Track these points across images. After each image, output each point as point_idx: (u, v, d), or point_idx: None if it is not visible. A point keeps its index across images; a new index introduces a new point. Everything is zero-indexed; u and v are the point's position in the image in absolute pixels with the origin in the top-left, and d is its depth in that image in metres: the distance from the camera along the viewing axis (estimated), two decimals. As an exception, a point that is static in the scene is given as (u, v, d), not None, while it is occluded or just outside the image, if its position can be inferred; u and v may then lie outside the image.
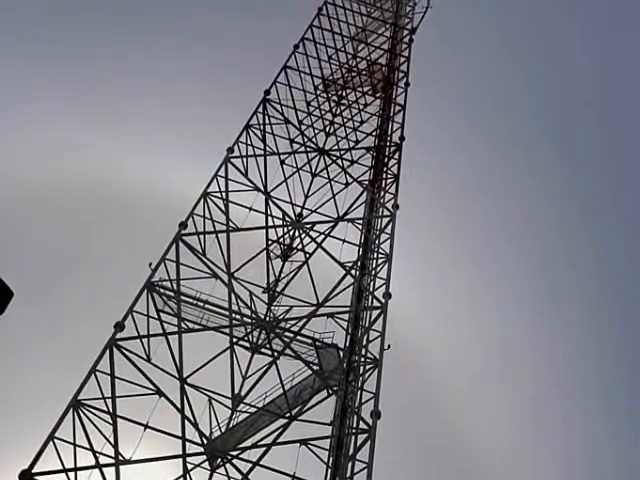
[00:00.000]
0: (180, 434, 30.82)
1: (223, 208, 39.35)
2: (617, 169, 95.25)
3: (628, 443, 75.03)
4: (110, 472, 28.50)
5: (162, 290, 35.45)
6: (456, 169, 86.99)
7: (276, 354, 38.28)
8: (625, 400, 78.09)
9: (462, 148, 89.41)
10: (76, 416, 28.86)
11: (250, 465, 30.55)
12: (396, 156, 45.45)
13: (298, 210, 46.38)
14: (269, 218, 43.01)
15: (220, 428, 36.12)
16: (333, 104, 51.85)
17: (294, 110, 48.44)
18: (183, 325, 35.52)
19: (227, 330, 36.76)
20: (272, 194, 43.82)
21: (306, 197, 47.52)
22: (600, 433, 74.94)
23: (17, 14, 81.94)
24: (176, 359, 33.21)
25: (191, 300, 37.16)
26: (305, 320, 37.08)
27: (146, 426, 31.03)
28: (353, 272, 38.08)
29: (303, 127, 48.68)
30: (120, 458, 28.97)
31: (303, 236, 44.16)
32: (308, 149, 47.61)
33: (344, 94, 52.69)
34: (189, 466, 32.10)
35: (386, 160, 45.34)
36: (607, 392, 77.39)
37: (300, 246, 44.93)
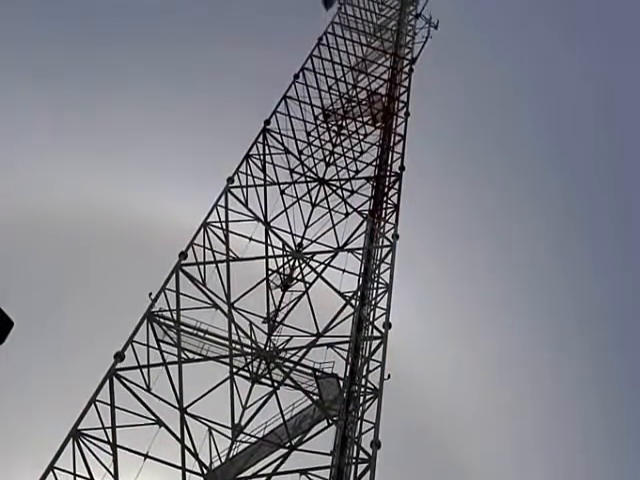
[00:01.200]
0: (180, 464, 31.22)
1: (223, 238, 39.93)
2: (617, 195, 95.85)
3: (629, 469, 75.23)
4: (110, 502, 28.81)
5: (162, 320, 35.94)
6: (456, 198, 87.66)
7: (276, 384, 38.68)
8: (626, 426, 78.35)
9: (462, 177, 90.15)
10: (76, 446, 29.25)
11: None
12: (396, 186, 45.95)
13: (298, 240, 46.90)
14: (269, 248, 43.57)
15: (220, 458, 36.46)
16: (333, 134, 52.45)
17: (294, 140, 49.06)
18: (183, 355, 35.97)
19: (227, 360, 37.18)
20: (272, 224, 44.34)
21: (306, 227, 48.04)
22: (601, 461, 75.11)
23: (18, 43, 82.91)
24: (176, 389, 33.69)
25: (191, 330, 37.63)
26: (305, 350, 37.61)
27: (146, 456, 31.43)
28: (353, 302, 38.60)
29: (303, 157, 49.28)
30: (120, 488, 29.29)
31: (303, 266, 44.59)
32: (308, 179, 48.21)
33: (344, 124, 53.26)
34: (189, 496, 32.32)
35: (386, 190, 45.81)
36: (609, 419, 77.62)
37: (300, 276, 45.34)
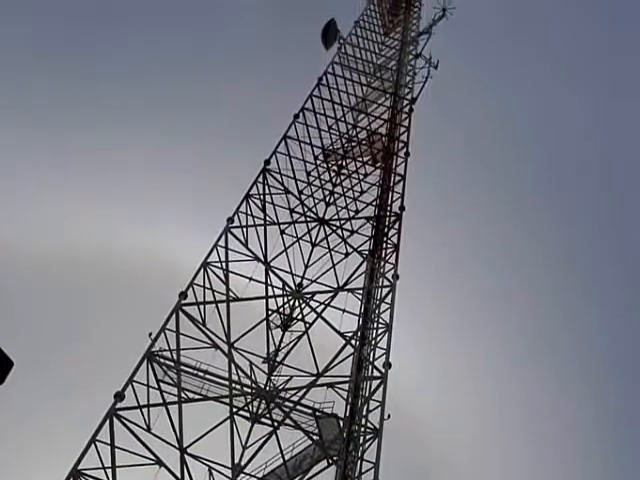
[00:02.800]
0: (180, 504, 31.60)
1: (223, 278, 40.59)
2: (617, 236, 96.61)
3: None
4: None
5: (162, 360, 36.56)
6: (456, 239, 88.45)
7: (276, 424, 39.09)
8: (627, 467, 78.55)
9: (462, 217, 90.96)
10: (76, 485, 29.61)
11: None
12: (396, 226, 46.64)
13: (298, 280, 47.57)
14: (269, 288, 44.26)
15: (220, 498, 36.79)
16: (333, 174, 53.23)
17: (294, 180, 49.76)
18: (183, 395, 36.51)
19: (227, 400, 37.69)
20: (272, 264, 45.02)
21: (306, 267, 48.74)
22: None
23: (18, 83, 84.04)
24: (176, 429, 34.24)
25: (191, 370, 38.23)
26: (305, 390, 38.12)
27: (146, 496, 31.83)
28: (353, 342, 39.20)
29: (303, 197, 49.99)
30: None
31: (303, 306, 45.25)
32: (308, 219, 48.93)
33: (344, 164, 54.01)
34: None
35: (386, 230, 46.49)
36: (608, 461, 77.82)
37: (300, 316, 45.98)
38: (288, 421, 37.54)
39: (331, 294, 44.12)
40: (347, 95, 58.14)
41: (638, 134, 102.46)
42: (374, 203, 49.74)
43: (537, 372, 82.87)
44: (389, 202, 48.77)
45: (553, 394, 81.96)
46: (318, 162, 52.98)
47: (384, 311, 40.68)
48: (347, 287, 45.25)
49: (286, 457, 36.26)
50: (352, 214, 51.41)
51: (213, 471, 37.58)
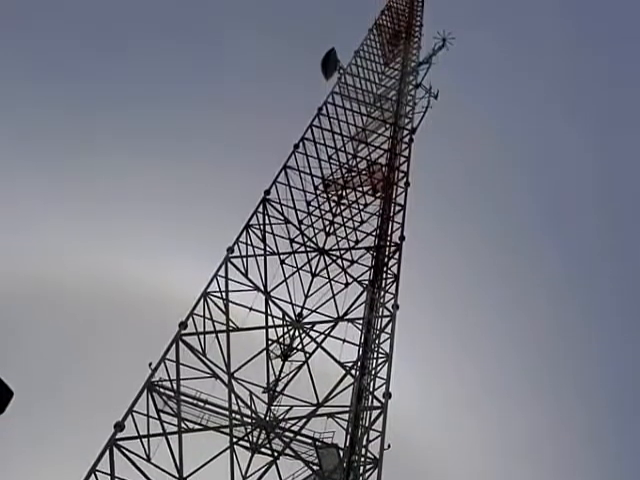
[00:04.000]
0: (180, 534, 31.90)
1: (223, 308, 41.00)
2: (617, 262, 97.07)
3: None
4: None
5: (162, 390, 36.91)
6: (456, 268, 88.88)
7: (276, 454, 39.46)
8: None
9: (462, 247, 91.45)
10: (77, 515, 29.92)
11: None
12: (396, 256, 47.00)
13: (298, 310, 48.12)
14: (269, 318, 44.63)
15: (221, 528, 37.01)
16: (333, 204, 53.75)
17: (294, 210, 50.22)
18: (183, 425, 36.83)
19: (227, 430, 37.97)
20: (272, 294, 45.48)
21: (306, 297, 49.22)
22: None
23: (19, 116, 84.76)
24: (176, 459, 34.53)
25: (191, 400, 38.60)
26: (305, 420, 38.51)
27: (147, 526, 32.10)
28: (353, 372, 39.58)
29: (303, 227, 50.50)
30: None
31: (303, 336, 45.68)
32: (308, 249, 49.41)
33: (344, 194, 54.55)
34: None
35: (386, 260, 46.89)
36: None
37: (300, 346, 46.37)
38: (288, 451, 37.93)
39: (331, 324, 44.64)
40: (347, 125, 58.73)
41: (637, 163, 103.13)
42: (374, 233, 50.21)
43: (537, 400, 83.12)
44: (389, 232, 49.18)
45: (553, 421, 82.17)
46: (318, 192, 53.49)
47: (384, 341, 41.04)
48: (347, 317, 45.72)
49: (286, 487, 36.54)
50: (352, 244, 51.92)
51: (213, 501, 37.89)
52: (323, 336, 43.73)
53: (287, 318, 44.91)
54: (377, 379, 38.70)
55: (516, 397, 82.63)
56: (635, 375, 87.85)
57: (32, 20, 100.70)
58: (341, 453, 36.94)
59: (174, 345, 36.94)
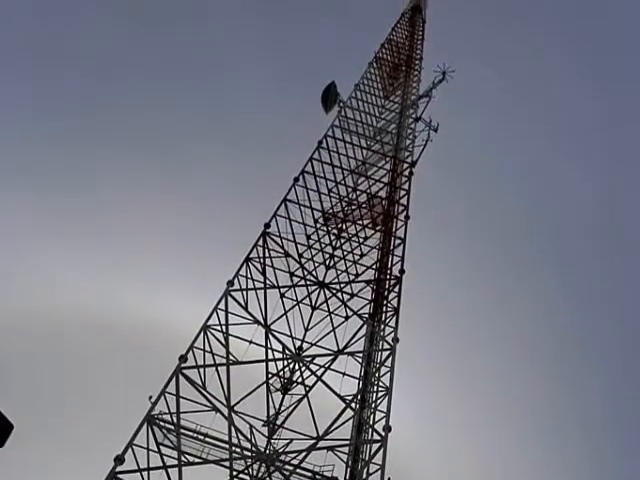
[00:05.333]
0: None
1: (223, 341, 41.42)
2: (617, 299, 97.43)
3: None
4: None
5: (162, 423, 37.20)
6: (456, 302, 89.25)
7: (276, 487, 39.61)
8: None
9: (462, 280, 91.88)
10: None
11: None
12: (396, 289, 47.34)
13: (298, 343, 48.52)
14: (269, 351, 45.13)
15: None
16: (333, 237, 54.01)
17: (294, 243, 50.62)
18: (183, 458, 37.14)
19: (227, 463, 38.30)
20: (272, 327, 45.91)
21: (306, 330, 49.59)
22: None
23: (19, 146, 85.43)
24: (176, 492, 34.72)
25: (191, 433, 38.94)
26: (305, 453, 38.82)
27: None
28: (353, 405, 39.90)
29: (303, 260, 50.87)
30: None
31: (303, 369, 46.02)
32: (308, 282, 49.77)
33: (344, 227, 54.79)
34: None
35: (386, 293, 47.24)
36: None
37: (300, 379, 46.70)
38: (288, 484, 38.12)
39: (331, 357, 45.08)
40: (347, 158, 58.85)
41: (637, 198, 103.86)
42: (374, 266, 50.56)
43: (538, 434, 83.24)
44: (389, 265, 49.55)
45: (553, 455, 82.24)
46: (318, 225, 53.67)
47: (384, 374, 41.40)
48: (347, 350, 46.17)
49: (286, 520, 36.77)
50: (352, 277, 52.23)
51: (213, 534, 38.06)
52: (323, 369, 44.26)
53: (287, 351, 45.38)
54: (377, 412, 39.14)
55: (516, 429, 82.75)
56: (634, 406, 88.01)
57: (33, 57, 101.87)
58: (341, 486, 37.20)
59: (174, 378, 37.33)
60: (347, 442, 38.42)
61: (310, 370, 44.22)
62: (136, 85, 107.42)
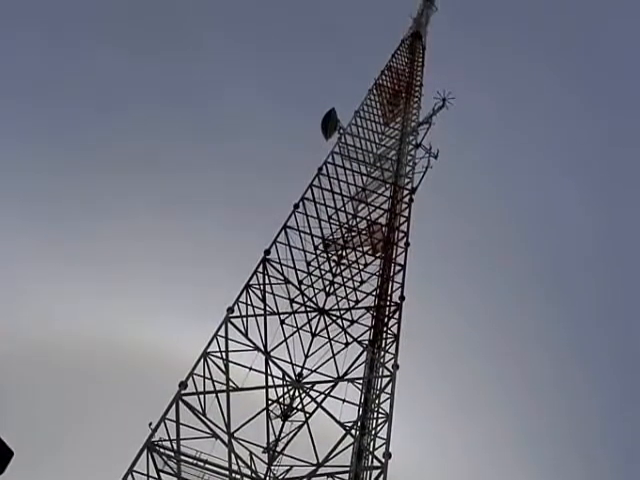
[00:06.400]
0: None
1: (223, 368, 41.74)
2: (617, 322, 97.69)
3: None
4: None
5: (162, 450, 37.36)
6: (456, 328, 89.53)
7: (276, 514, 39.84)
8: None
9: (462, 307, 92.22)
10: None
11: None
12: (396, 316, 47.60)
13: (298, 370, 48.76)
14: (269, 378, 45.42)
15: None
16: (333, 264, 54.26)
17: (294, 270, 50.89)
18: (183, 485, 37.27)
19: (227, 490, 38.39)
20: (272, 354, 46.23)
21: (306, 357, 49.84)
22: None
23: (17, 173, 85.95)
24: (176, 519, 34.98)
25: (191, 460, 38.99)
26: (305, 480, 38.94)
27: None
28: (353, 432, 40.13)
29: (303, 287, 51.14)
30: None
31: (303, 396, 46.33)
32: (308, 309, 50.07)
33: (344, 254, 55.06)
34: None
35: (386, 320, 47.53)
36: None
37: (300, 406, 46.98)
38: (288, 511, 38.36)
39: (331, 384, 45.39)
40: (347, 185, 59.06)
41: (638, 224, 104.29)
42: (374, 293, 50.86)
43: (537, 461, 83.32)
44: (389, 292, 49.80)
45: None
46: (318, 252, 53.86)
47: (384, 401, 41.69)
48: (347, 377, 46.52)
49: None
50: (352, 304, 52.45)
51: None
52: (323, 396, 44.56)
53: (287, 378, 45.74)
54: (377, 439, 39.40)
55: (517, 458, 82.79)
56: (634, 431, 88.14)
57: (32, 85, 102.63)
58: (341, 513, 37.39)
59: (174, 405, 37.66)
60: (347, 469, 38.53)
61: (310, 397, 44.57)
62: (134, 113, 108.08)
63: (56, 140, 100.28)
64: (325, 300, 52.30)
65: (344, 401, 44.48)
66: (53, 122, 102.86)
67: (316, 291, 52.20)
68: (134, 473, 34.50)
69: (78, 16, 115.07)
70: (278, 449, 46.28)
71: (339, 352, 49.71)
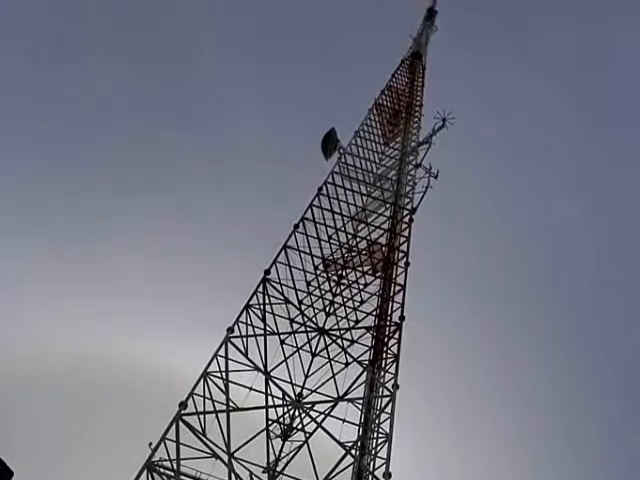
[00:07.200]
0: None
1: (223, 388, 41.95)
2: (617, 341, 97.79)
3: None
4: None
5: (162, 470, 37.50)
6: (456, 348, 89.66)
7: (276, 534, 39.96)
8: None
9: (462, 327, 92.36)
10: None
11: None
12: (396, 336, 47.86)
13: (298, 390, 48.97)
14: (269, 398, 45.59)
15: None
16: (333, 284, 54.52)
17: (294, 290, 51.15)
18: (183, 505, 37.41)
19: (227, 510, 38.53)
20: (272, 373, 46.46)
21: (306, 377, 50.03)
22: None
23: (16, 192, 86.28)
24: (176, 539, 35.12)
25: (191, 480, 39.17)
26: (305, 500, 39.11)
27: None
28: (353, 452, 40.31)
29: (303, 307, 51.44)
30: None
31: (303, 416, 46.51)
32: (308, 329, 50.30)
33: (344, 274, 55.32)
34: None
35: (386, 340, 47.73)
36: None
37: (300, 426, 47.10)
38: (289, 531, 38.48)
39: (331, 404, 45.57)
40: (347, 205, 59.34)
41: (636, 241, 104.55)
42: (374, 313, 51.03)
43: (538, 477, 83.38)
44: (389, 312, 50.02)
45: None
46: (318, 272, 54.18)
47: (384, 421, 41.91)
48: (347, 397, 46.66)
49: None
50: (352, 324, 52.64)
51: None
52: (323, 416, 44.76)
53: (287, 398, 45.93)
54: (377, 459, 39.63)
55: (516, 478, 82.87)
56: (634, 451, 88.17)
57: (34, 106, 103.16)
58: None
59: (174, 425, 37.84)
60: (347, 489, 38.81)
61: (310, 417, 44.79)
62: (135, 131, 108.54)
63: (56, 158, 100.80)
64: (325, 320, 52.55)
65: (344, 421, 44.71)
66: (53, 140, 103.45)
67: (316, 311, 52.45)
68: (134, 493, 34.65)
69: (79, 34, 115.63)
70: (278, 469, 46.40)
71: (339, 372, 49.96)
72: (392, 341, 47.66)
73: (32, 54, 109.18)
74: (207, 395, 41.02)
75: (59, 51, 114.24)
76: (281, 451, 47.40)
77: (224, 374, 42.36)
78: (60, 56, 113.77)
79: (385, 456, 39.20)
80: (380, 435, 41.18)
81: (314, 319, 51.59)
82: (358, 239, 57.68)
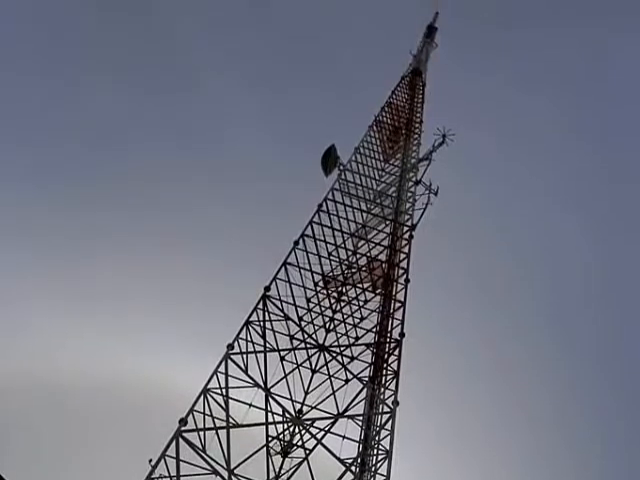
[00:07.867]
0: None
1: (223, 404, 42.08)
2: (618, 362, 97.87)
3: None
4: None
5: (162, 486, 37.62)
6: (456, 364, 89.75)
7: None
8: None
9: (462, 343, 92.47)
10: None
11: None
12: (396, 352, 47.98)
13: (298, 406, 49.08)
14: (269, 414, 45.72)
15: None
16: (333, 300, 54.63)
17: (294, 306, 51.29)
18: (182, 522, 37.52)
19: (227, 527, 38.67)
20: (272, 390, 46.57)
21: (306, 393, 50.15)
22: None
23: (17, 209, 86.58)
24: None
25: (191, 497, 39.29)
26: (305, 517, 39.21)
27: None
28: (353, 468, 40.40)
29: (303, 323, 51.56)
30: None
31: (303, 432, 46.57)
32: (308, 345, 50.45)
33: (344, 290, 55.46)
34: None
35: (386, 356, 47.87)
36: None
37: (300, 442, 47.17)
38: None
39: (331, 420, 45.69)
40: (347, 221, 59.33)
41: (637, 256, 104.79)
42: (374, 329, 50.99)
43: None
44: (389, 329, 50.05)
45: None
46: (318, 288, 54.30)
47: (384, 438, 42.02)
48: (347, 413, 46.77)
49: None
50: (352, 340, 52.80)
51: None
52: (323, 432, 44.86)
53: (287, 414, 46.03)
54: (377, 476, 39.72)
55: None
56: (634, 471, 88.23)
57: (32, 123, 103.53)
58: None
59: (174, 441, 37.97)
60: (347, 506, 38.92)
61: (310, 433, 44.92)
62: (135, 152, 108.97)
63: (57, 177, 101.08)
64: (325, 337, 52.67)
65: (344, 438, 44.79)
66: (54, 159, 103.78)
67: (316, 328, 52.59)
68: (134, 509, 34.81)
69: (77, 53, 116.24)
70: (278, 486, 46.58)
71: (339, 389, 50.00)
72: (392, 358, 47.76)
73: (34, 68, 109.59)
74: (207, 412, 41.12)
75: (58, 66, 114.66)
76: (281, 468, 47.43)
77: (224, 390, 42.50)
78: (59, 70, 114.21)
79: (385, 473, 39.36)
80: (380, 452, 41.30)
81: (314, 336, 51.75)
82: (358, 256, 57.85)
